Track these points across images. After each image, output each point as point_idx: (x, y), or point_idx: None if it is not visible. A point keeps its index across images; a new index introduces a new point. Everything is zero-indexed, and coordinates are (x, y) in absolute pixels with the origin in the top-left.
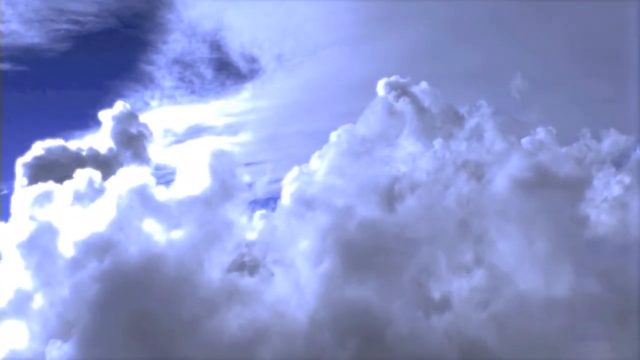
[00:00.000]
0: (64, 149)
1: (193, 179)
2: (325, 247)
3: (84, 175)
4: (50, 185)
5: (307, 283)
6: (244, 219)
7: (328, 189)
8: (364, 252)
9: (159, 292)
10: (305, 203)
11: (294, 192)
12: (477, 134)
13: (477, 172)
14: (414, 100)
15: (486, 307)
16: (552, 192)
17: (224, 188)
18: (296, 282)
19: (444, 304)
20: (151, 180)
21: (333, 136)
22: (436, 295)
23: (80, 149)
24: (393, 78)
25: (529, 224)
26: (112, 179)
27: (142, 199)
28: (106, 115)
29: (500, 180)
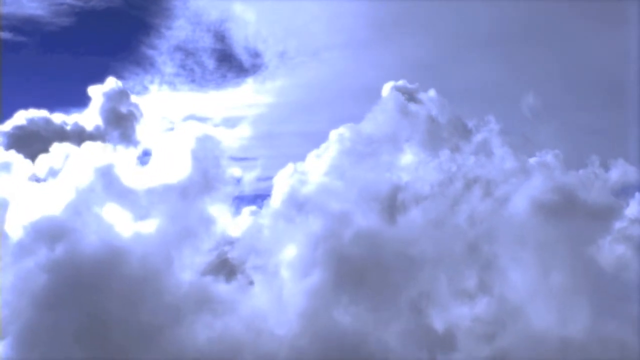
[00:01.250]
0: (47, 122)
1: (172, 165)
2: (315, 258)
3: (61, 150)
4: (12, 155)
5: (291, 297)
6: (225, 216)
7: (324, 191)
8: (358, 267)
9: (117, 292)
10: (297, 204)
11: (286, 191)
12: (484, 150)
13: (488, 190)
14: (422, 107)
15: (491, 341)
16: (575, 220)
17: (205, 178)
18: (278, 294)
19: (446, 337)
20: (122, 160)
21: (333, 134)
22: (436, 323)
23: (64, 123)
24: (401, 82)
25: (545, 253)
26: (75, 154)
27: (106, 181)
28: (96, 91)
29: (517, 202)
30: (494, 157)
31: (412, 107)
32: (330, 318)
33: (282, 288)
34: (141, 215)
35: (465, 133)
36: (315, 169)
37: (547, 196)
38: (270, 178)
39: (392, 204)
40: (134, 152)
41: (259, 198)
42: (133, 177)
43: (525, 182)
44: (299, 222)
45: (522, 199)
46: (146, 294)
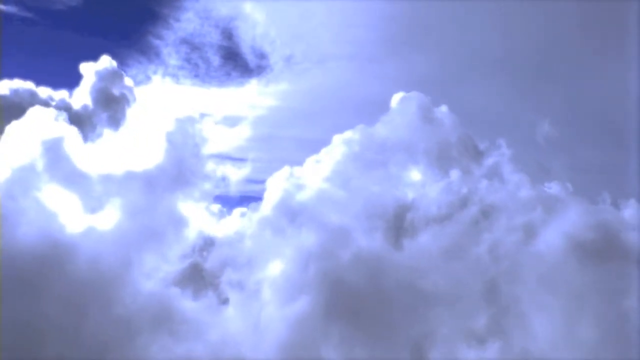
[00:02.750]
0: (32, 95)
1: (142, 149)
2: (304, 279)
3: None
4: None
5: (271, 324)
6: (202, 217)
7: (322, 200)
8: (354, 295)
9: (57, 296)
10: (290, 213)
11: (279, 196)
12: (496, 174)
13: (507, 219)
14: (434, 122)
15: None
16: (612, 264)
17: (179, 169)
18: (256, 318)
19: None
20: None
21: (338, 138)
22: None
23: (50, 98)
24: (412, 93)
25: (575, 299)
26: (16, 122)
27: (52, 158)
28: (88, 69)
29: (545, 237)
30: (507, 183)
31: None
32: (316, 353)
33: (261, 311)
34: (95, 206)
35: (477, 155)
36: (314, 174)
37: (582, 233)
38: (264, 181)
39: (399, 225)
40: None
41: (253, 200)
42: (90, 158)
43: (555, 215)
44: (290, 234)
45: (551, 234)
46: (93, 302)
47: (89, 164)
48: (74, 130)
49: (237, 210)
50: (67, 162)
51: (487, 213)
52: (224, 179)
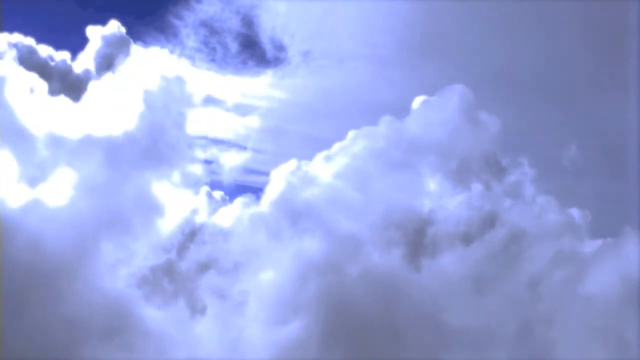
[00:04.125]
0: (31, 51)
1: (113, 112)
2: (301, 295)
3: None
4: None
5: (253, 347)
6: (185, 206)
7: (331, 201)
8: (360, 321)
9: None
10: (292, 212)
11: (281, 191)
12: (517, 193)
13: (539, 248)
14: (478, 124)
15: None
16: None
17: (155, 140)
18: (236, 338)
19: None
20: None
21: (355, 133)
22: None
23: (50, 58)
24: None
25: (623, 352)
26: None
27: None
28: (95, 32)
29: (594, 277)
30: (532, 204)
31: None
32: None
33: (243, 329)
34: (42, 176)
35: (498, 171)
36: (325, 171)
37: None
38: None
39: (419, 241)
40: None
41: (255, 192)
42: (43, 117)
43: (607, 253)
44: (289, 238)
45: (601, 272)
46: (31, 296)
47: (40, 122)
48: (31, 77)
49: (239, 200)
50: (8, 117)
51: (516, 237)
52: (218, 163)
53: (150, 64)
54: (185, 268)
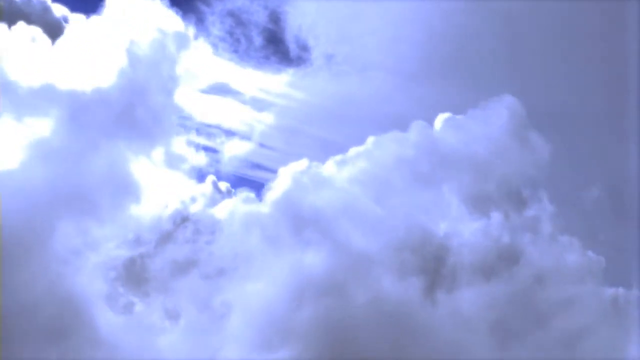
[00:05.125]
0: (45, 9)
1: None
2: (295, 318)
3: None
4: None
5: None
6: (166, 190)
7: (341, 210)
8: (361, 356)
9: None
10: (296, 217)
11: (287, 191)
12: (538, 230)
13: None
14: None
15: None
16: None
17: (136, 102)
18: (210, 357)
19: None
20: None
21: (376, 139)
22: None
23: (64, 18)
24: (460, 117)
25: None
26: None
27: None
28: None
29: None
30: (553, 244)
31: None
32: None
33: (219, 349)
34: None
35: (518, 202)
36: (338, 175)
37: None
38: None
39: (437, 269)
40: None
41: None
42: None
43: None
44: (289, 247)
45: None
46: None
47: None
48: None
49: (240, 195)
50: None
51: (541, 279)
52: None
53: (149, 14)
54: (157, 267)
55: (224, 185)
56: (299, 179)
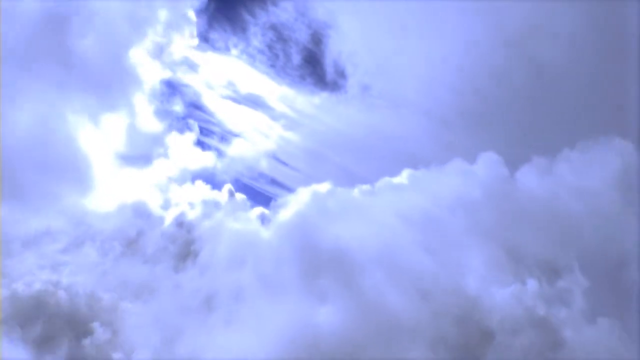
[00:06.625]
0: None
1: None
2: None
3: None
4: None
5: None
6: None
7: (372, 250)
8: None
9: None
10: (309, 251)
11: (302, 214)
12: (571, 305)
13: None
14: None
15: None
16: None
17: None
18: None
19: None
20: None
21: (407, 172)
22: None
23: None
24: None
25: None
26: None
27: None
28: None
29: None
30: (589, 321)
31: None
32: None
33: None
34: None
35: (551, 273)
36: (364, 204)
37: None
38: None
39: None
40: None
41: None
42: None
43: None
44: (295, 291)
45: None
46: None
47: None
48: None
49: (259, 210)
50: None
51: None
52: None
53: None
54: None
55: (239, 197)
56: (320, 201)
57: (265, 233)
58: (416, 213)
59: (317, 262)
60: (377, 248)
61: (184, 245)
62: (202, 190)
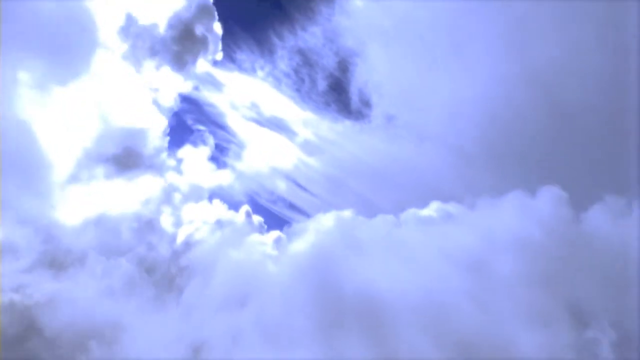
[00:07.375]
0: None
1: None
2: None
3: None
4: None
5: None
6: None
7: (398, 293)
8: None
9: None
10: (327, 290)
11: (320, 244)
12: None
13: None
14: None
15: None
16: None
17: None
18: None
19: None
20: None
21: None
22: None
23: None
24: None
25: None
26: None
27: None
28: None
29: None
30: None
31: None
32: None
33: None
34: None
35: (578, 321)
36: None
37: None
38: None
39: None
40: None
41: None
42: None
43: None
44: (309, 337)
45: None
46: None
47: None
48: None
49: (275, 234)
50: None
51: None
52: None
53: None
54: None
55: (256, 219)
56: (343, 229)
57: (273, 266)
58: (458, 251)
59: (337, 306)
60: (412, 291)
61: (170, 275)
62: (218, 209)
